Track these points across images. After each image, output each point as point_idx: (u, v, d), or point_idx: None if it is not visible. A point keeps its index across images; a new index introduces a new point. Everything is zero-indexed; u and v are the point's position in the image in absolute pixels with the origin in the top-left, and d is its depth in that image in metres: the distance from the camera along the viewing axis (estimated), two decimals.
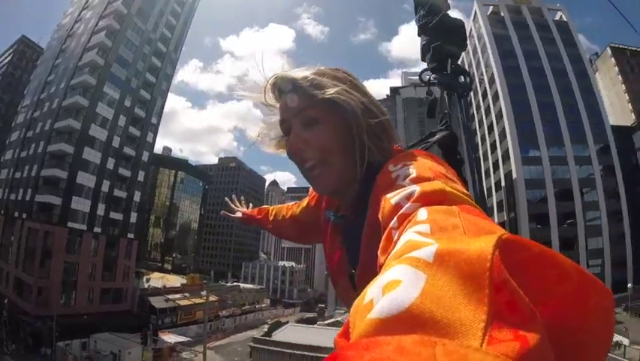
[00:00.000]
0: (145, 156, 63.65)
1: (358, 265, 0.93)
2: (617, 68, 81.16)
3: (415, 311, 0.36)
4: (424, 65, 2.11)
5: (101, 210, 53.98)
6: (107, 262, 53.68)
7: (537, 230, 52.57)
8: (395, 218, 0.65)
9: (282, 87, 1.04)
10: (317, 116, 0.98)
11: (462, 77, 2.11)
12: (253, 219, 2.04)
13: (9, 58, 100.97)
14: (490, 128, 63.42)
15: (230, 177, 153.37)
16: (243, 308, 68.77)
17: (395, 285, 0.39)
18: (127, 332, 43.44)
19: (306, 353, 20.96)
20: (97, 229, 53.21)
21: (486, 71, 65.03)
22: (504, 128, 57.78)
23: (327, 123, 0.98)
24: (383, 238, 0.65)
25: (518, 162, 55.10)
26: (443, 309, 0.35)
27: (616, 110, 77.03)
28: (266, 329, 29.66)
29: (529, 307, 0.36)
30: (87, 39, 57.84)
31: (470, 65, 70.97)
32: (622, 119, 72.97)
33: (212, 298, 57.39)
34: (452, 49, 2.04)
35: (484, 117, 65.88)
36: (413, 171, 0.78)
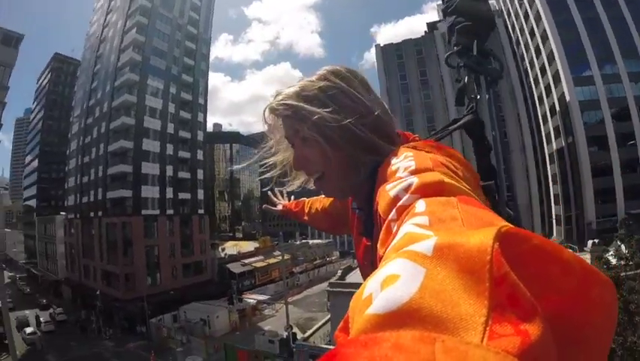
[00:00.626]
0: (200, 136, 66.41)
1: (372, 257, 0.95)
2: None
3: (414, 306, 0.35)
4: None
5: (169, 193, 57.70)
6: (183, 240, 57.63)
7: (596, 154, 50.07)
8: (394, 210, 0.64)
9: (275, 116, 1.10)
10: (309, 136, 1.01)
11: (491, 61, 2.05)
12: (291, 212, 2.13)
13: (48, 77, 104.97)
14: (538, 51, 59.26)
15: None
16: (315, 263, 70.86)
17: (394, 279, 0.39)
18: (211, 300, 47.08)
19: None
20: (169, 211, 57.13)
21: None
22: (551, 50, 54.12)
23: (319, 139, 1.00)
24: (382, 230, 0.65)
25: (570, 83, 51.70)
26: (443, 304, 0.35)
27: None
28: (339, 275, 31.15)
29: (531, 301, 0.35)
30: (120, 40, 60.32)
31: None
32: None
33: (285, 256, 60.14)
34: (479, 30, 1.98)
35: (529, 40, 61.73)
36: (412, 163, 0.78)
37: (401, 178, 0.73)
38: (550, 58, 55.08)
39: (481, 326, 0.33)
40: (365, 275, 1.18)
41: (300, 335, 29.77)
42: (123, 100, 56.14)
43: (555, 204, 58.81)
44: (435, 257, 0.40)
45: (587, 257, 24.61)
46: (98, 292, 48.14)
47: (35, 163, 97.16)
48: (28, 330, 42.00)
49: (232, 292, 48.32)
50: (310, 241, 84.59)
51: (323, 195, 1.80)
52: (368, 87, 1.09)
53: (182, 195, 59.76)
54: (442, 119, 62.63)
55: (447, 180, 0.67)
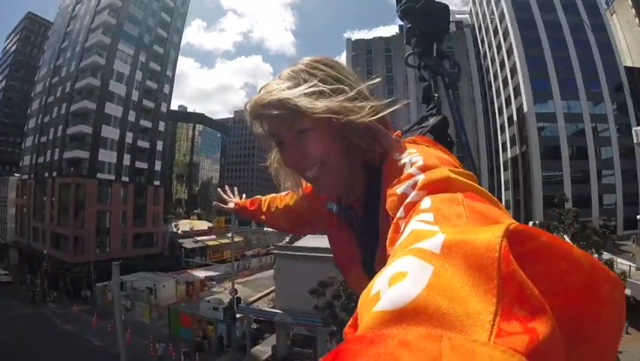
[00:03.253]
0: (163, 108, 65.66)
1: (378, 255, 0.96)
2: (634, 10, 78.53)
3: (422, 304, 0.35)
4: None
5: (127, 160, 56.73)
6: (136, 209, 56.71)
7: (549, 163, 52.69)
8: (402, 208, 0.64)
9: (266, 112, 0.94)
10: (308, 127, 0.94)
11: (448, 64, 2.10)
12: (246, 210, 2.05)
13: (17, 37, 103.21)
14: (502, 65, 62.35)
15: (247, 129, 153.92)
16: (268, 249, 69.77)
17: (401, 277, 0.39)
18: (160, 272, 46.76)
19: (324, 254, 21.86)
20: (125, 179, 56.14)
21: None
22: (515, 64, 56.95)
23: (319, 131, 0.94)
24: (391, 228, 0.65)
25: (529, 95, 54.37)
26: (450, 301, 0.34)
27: (633, 52, 74.72)
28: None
29: (539, 298, 0.35)
30: (97, 2, 59.11)
31: None
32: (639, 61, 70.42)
33: (238, 238, 59.92)
34: (437, 33, 2.01)
35: (495, 54, 64.98)
36: (419, 159, 0.77)
37: (408, 175, 0.73)
38: (513, 71, 57.91)
39: (489, 323, 0.32)
40: (350, 276, 1.22)
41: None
42: (92, 61, 54.84)
43: (506, 208, 60.78)
44: (442, 254, 0.40)
45: None
46: (45, 252, 47.36)
47: None
48: None
49: (181, 261, 48.64)
50: (265, 228, 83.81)
51: (284, 193, 1.72)
52: (357, 77, 1.04)
53: (139, 164, 58.86)
54: (404, 116, 65.37)
55: (453, 175, 0.66)
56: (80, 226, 49.42)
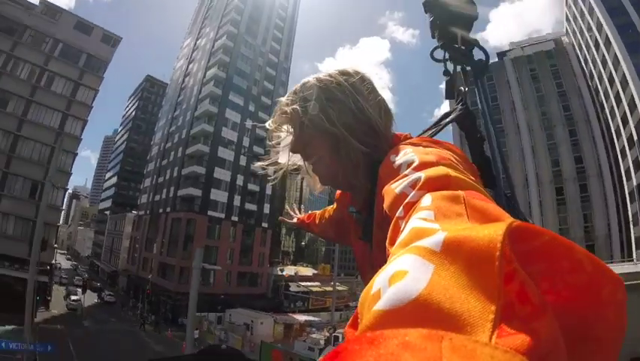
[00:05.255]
0: None
1: (371, 258, 0.98)
2: None
3: (422, 303, 0.34)
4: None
5: (237, 201, 59.31)
6: (243, 248, 58.16)
7: None
8: (401, 207, 0.63)
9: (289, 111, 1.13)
10: (308, 124, 1.07)
11: (476, 51, 1.95)
12: (304, 224, 2.15)
13: (136, 103, 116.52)
14: (611, 80, 55.16)
15: None
16: None
17: (402, 275, 0.38)
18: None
19: None
20: (234, 218, 58.37)
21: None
22: (624, 75, 50.35)
23: (315, 129, 1.06)
24: (390, 228, 0.63)
25: None
26: (451, 300, 0.34)
27: None
28: None
29: (541, 298, 0.34)
30: (207, 60, 65.45)
31: None
32: None
33: (342, 288, 58.08)
34: (463, 21, 1.90)
35: (602, 69, 57.99)
36: (415, 158, 0.76)
37: (405, 175, 0.72)
38: (624, 84, 51.38)
39: (490, 323, 0.32)
40: (365, 279, 1.18)
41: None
42: (206, 109, 60.32)
43: (634, 225, 51.61)
44: (443, 253, 0.39)
45: None
46: (149, 277, 50.17)
47: (114, 180, 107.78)
48: (73, 297, 46.39)
49: (283, 304, 47.14)
50: None
51: (331, 206, 1.78)
52: (373, 87, 1.13)
53: (248, 206, 61.14)
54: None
55: (453, 173, 0.65)
56: (187, 257, 50.59)
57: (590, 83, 63.93)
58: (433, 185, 0.63)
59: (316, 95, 1.06)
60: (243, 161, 61.12)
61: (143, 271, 60.92)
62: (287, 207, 2.39)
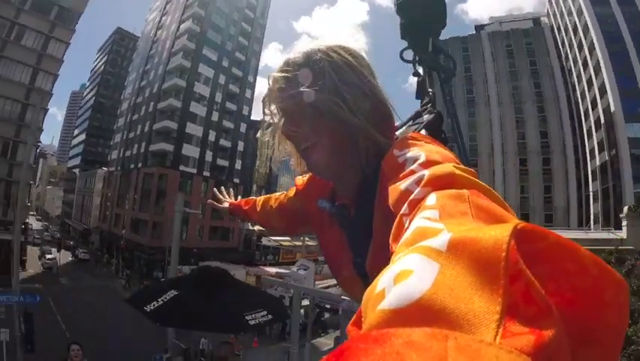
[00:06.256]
0: (245, 110, 68.53)
1: (370, 253, 0.93)
2: None
3: (427, 302, 0.34)
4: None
5: (209, 157, 59.59)
6: None
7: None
8: (406, 204, 0.63)
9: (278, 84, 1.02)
10: (304, 103, 0.96)
11: (443, 58, 2.03)
12: (240, 210, 2.02)
13: (105, 57, 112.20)
14: (585, 64, 58.03)
15: None
16: None
17: (407, 275, 0.38)
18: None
19: None
20: (206, 173, 58.82)
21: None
22: (598, 61, 53.01)
23: (313, 111, 0.97)
24: (394, 225, 0.63)
25: (616, 94, 49.98)
26: (456, 300, 0.34)
27: None
28: None
29: (546, 299, 0.34)
30: (181, 13, 63.42)
31: None
32: None
33: (312, 243, 59.38)
34: (433, 27, 1.96)
35: (577, 53, 60.78)
36: (421, 155, 0.75)
37: (411, 171, 0.71)
38: (597, 70, 53.93)
39: (495, 323, 0.32)
40: (340, 276, 1.21)
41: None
42: (178, 63, 59.18)
43: (594, 201, 56.23)
44: (449, 253, 0.39)
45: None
46: (123, 232, 50.75)
47: (83, 136, 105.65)
48: (49, 256, 47.40)
49: (254, 257, 49.85)
50: None
51: (278, 194, 1.72)
52: (373, 73, 1.04)
53: (220, 162, 61.46)
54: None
55: (458, 172, 0.64)
56: (160, 212, 51.55)
57: (564, 65, 66.37)
58: (438, 183, 0.62)
59: (328, 75, 0.96)
60: (215, 116, 61.15)
61: (115, 227, 61.11)
62: (215, 190, 2.28)
